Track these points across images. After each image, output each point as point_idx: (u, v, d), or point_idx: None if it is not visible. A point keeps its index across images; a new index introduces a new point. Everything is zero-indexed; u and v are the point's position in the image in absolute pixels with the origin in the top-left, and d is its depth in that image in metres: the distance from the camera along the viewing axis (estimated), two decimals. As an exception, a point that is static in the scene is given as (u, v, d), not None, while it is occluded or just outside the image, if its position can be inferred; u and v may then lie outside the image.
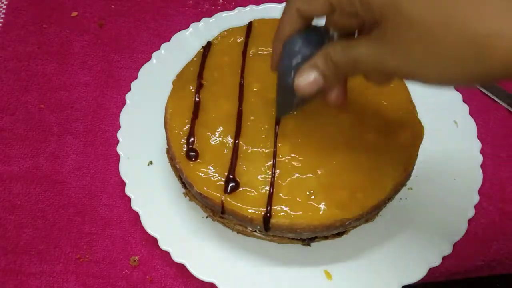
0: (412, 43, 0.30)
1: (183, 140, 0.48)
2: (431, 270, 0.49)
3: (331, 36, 0.37)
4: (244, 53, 0.53)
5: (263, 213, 0.44)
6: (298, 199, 0.45)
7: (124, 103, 0.59)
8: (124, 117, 0.58)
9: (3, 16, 0.68)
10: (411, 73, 0.31)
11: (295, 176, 0.46)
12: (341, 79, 0.37)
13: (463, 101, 0.58)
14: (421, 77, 0.31)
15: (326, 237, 0.51)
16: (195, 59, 0.54)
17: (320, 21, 0.38)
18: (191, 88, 0.51)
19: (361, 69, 0.34)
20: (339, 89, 0.38)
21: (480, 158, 0.55)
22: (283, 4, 0.64)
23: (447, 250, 0.50)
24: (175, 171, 0.53)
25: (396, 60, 0.31)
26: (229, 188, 0.45)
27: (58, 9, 0.69)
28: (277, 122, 0.48)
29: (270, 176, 0.46)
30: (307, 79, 0.36)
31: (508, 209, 0.56)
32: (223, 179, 0.46)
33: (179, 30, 0.63)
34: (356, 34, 0.37)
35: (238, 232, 0.52)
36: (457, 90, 0.59)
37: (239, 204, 0.45)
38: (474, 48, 0.27)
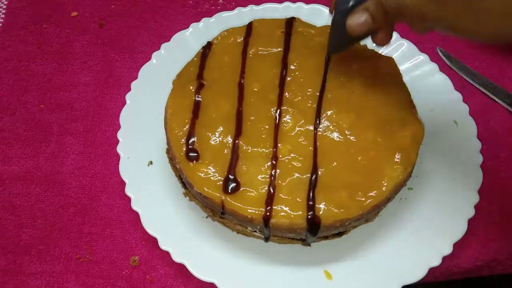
0: None
1: (183, 140, 0.48)
2: (431, 270, 0.49)
3: None
4: (244, 53, 0.53)
5: (263, 213, 0.44)
6: (298, 199, 0.45)
7: (124, 103, 0.59)
8: (124, 117, 0.58)
9: (3, 16, 0.68)
10: (449, 23, 0.36)
11: (295, 176, 0.46)
12: (388, 23, 0.41)
13: (463, 101, 0.58)
14: (456, 28, 0.36)
15: (326, 237, 0.51)
16: (195, 59, 0.54)
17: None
18: (191, 88, 0.51)
19: (406, 15, 0.38)
20: (386, 31, 0.43)
21: (480, 158, 0.55)
22: (284, 4, 0.65)
23: (447, 250, 0.50)
24: (175, 171, 0.53)
25: (438, 10, 0.36)
26: (230, 189, 0.45)
27: (58, 9, 0.69)
28: (328, 58, 0.52)
29: (270, 176, 0.46)
30: (358, 19, 0.41)
31: (508, 209, 0.56)
32: (223, 179, 0.46)
33: (179, 30, 0.63)
34: None
35: (238, 232, 0.52)
36: (457, 90, 0.59)
37: (239, 204, 0.45)
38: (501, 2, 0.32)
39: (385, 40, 0.43)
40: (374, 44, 0.44)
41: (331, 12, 0.45)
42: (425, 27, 0.40)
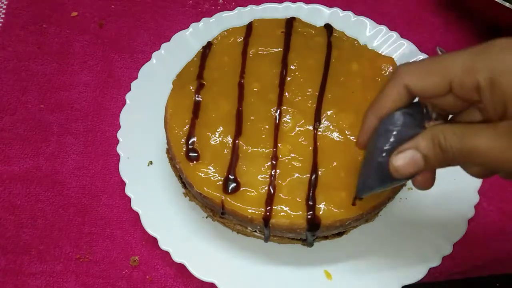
0: None
1: (183, 140, 0.48)
2: (431, 270, 0.49)
3: (430, 115, 0.35)
4: (244, 53, 0.53)
5: (263, 213, 0.44)
6: (298, 199, 0.45)
7: (124, 103, 0.59)
8: (124, 117, 0.58)
9: (3, 16, 0.68)
10: None
11: (295, 176, 0.46)
12: (443, 166, 0.33)
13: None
14: None
15: (326, 237, 0.51)
16: (195, 59, 0.54)
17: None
18: (191, 88, 0.51)
19: (474, 160, 0.31)
20: (430, 173, 0.35)
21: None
22: (284, 4, 0.65)
23: (447, 250, 0.50)
24: (175, 171, 0.53)
25: None
26: (230, 189, 0.45)
27: (58, 9, 0.69)
28: (355, 199, 0.43)
29: (270, 176, 0.46)
30: (406, 159, 0.33)
31: (508, 209, 0.56)
32: (223, 179, 0.46)
33: (179, 30, 0.63)
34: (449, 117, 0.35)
35: (238, 232, 0.52)
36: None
37: (239, 204, 0.45)
38: None
39: (428, 184, 0.36)
40: (414, 187, 0.37)
41: (361, 147, 0.38)
42: (491, 172, 0.34)
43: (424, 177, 0.35)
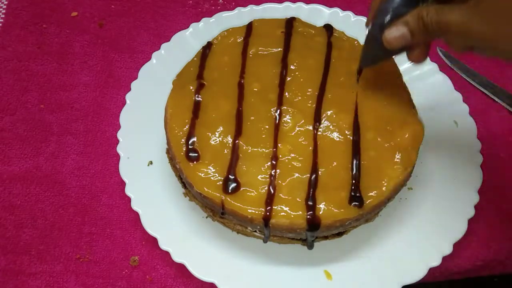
0: (505, 13, 0.33)
1: (183, 140, 0.48)
2: (431, 270, 0.49)
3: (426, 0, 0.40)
4: (244, 53, 0.53)
5: (263, 213, 0.44)
6: (298, 199, 0.45)
7: (124, 103, 0.59)
8: (124, 117, 0.58)
9: (3, 16, 0.68)
10: (498, 42, 0.35)
11: (295, 176, 0.46)
12: (426, 39, 0.40)
13: (463, 101, 0.59)
14: (507, 50, 0.35)
15: (326, 237, 0.51)
16: (195, 59, 0.54)
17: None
18: (191, 88, 0.51)
19: (448, 32, 0.37)
20: (422, 48, 0.41)
21: (480, 158, 0.55)
22: (284, 4, 0.65)
23: (447, 250, 0.50)
24: (175, 171, 0.53)
25: (487, 26, 0.34)
26: (230, 189, 0.45)
27: (58, 9, 0.69)
28: (359, 72, 0.51)
29: (270, 176, 0.46)
30: (396, 33, 0.40)
31: (508, 209, 0.56)
32: (223, 179, 0.46)
33: (179, 30, 0.63)
34: None
35: (238, 232, 0.52)
36: (457, 90, 0.59)
37: (239, 204, 0.45)
38: None
39: (421, 58, 0.42)
40: (409, 61, 0.43)
41: (367, 25, 0.44)
42: (465, 46, 0.38)
43: (419, 50, 0.41)
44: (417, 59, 0.42)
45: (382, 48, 0.42)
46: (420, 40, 0.40)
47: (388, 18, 0.40)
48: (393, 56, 0.45)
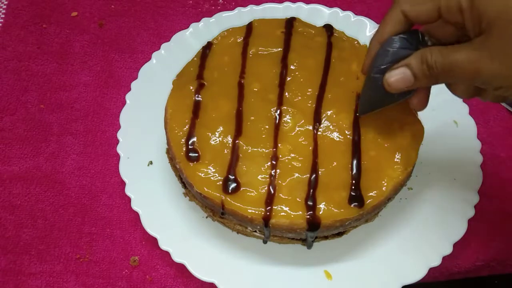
0: None
1: (183, 140, 0.48)
2: (431, 270, 0.49)
3: (426, 42, 0.39)
4: (244, 53, 0.53)
5: (263, 213, 0.44)
6: (298, 199, 0.45)
7: (124, 103, 0.59)
8: (124, 117, 0.58)
9: (3, 16, 0.68)
10: (508, 79, 0.33)
11: (295, 176, 0.46)
12: (431, 83, 0.38)
13: (463, 101, 0.59)
14: None
15: (326, 237, 0.51)
16: (195, 59, 0.54)
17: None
18: (191, 88, 0.51)
19: (456, 74, 0.35)
20: (422, 95, 0.41)
21: (480, 158, 0.55)
22: (284, 4, 0.65)
23: (447, 250, 0.50)
24: (175, 171, 0.53)
25: (497, 63, 0.32)
26: (230, 189, 0.45)
27: (58, 9, 0.69)
28: (359, 116, 0.48)
29: (270, 176, 0.46)
30: (398, 75, 0.38)
31: (508, 209, 0.56)
32: (223, 179, 0.46)
33: (179, 30, 0.63)
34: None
35: (238, 232, 0.52)
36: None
37: (239, 204, 0.45)
38: None
39: (421, 105, 0.41)
40: (412, 108, 0.43)
41: (364, 69, 0.43)
42: (471, 90, 0.38)
43: (418, 98, 0.41)
44: (417, 107, 0.42)
45: (382, 93, 0.40)
46: (423, 83, 0.38)
47: (388, 60, 0.39)
48: (392, 103, 0.43)
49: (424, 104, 0.41)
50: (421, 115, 0.51)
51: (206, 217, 0.53)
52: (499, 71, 0.33)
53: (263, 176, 0.46)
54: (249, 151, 0.47)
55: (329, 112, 0.49)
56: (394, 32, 0.39)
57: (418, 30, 0.39)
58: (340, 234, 0.51)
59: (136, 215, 0.53)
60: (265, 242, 0.51)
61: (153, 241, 0.51)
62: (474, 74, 0.34)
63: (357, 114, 0.48)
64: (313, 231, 0.45)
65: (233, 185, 0.46)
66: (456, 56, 0.34)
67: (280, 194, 0.45)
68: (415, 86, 0.38)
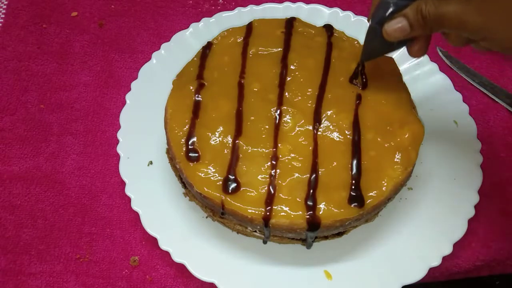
0: (497, 1, 0.34)
1: (183, 140, 0.48)
2: (431, 270, 0.49)
3: None
4: (244, 53, 0.53)
5: (263, 213, 0.44)
6: (298, 199, 0.45)
7: (124, 103, 0.59)
8: (124, 117, 0.58)
9: (3, 16, 0.68)
10: (490, 34, 0.36)
11: (295, 176, 0.46)
12: (425, 32, 0.40)
13: (463, 101, 0.58)
14: (498, 40, 0.36)
15: (326, 237, 0.51)
16: (195, 59, 0.54)
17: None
18: (191, 88, 0.51)
19: (445, 24, 0.38)
20: (422, 42, 0.42)
21: (480, 158, 0.55)
22: (284, 4, 0.65)
23: (447, 250, 0.50)
24: (175, 171, 0.53)
25: (481, 17, 0.35)
26: (230, 189, 0.45)
27: (58, 9, 0.69)
28: (360, 65, 0.51)
29: (270, 176, 0.46)
30: (395, 25, 0.41)
31: (508, 209, 0.56)
32: (223, 179, 0.46)
33: (179, 30, 0.63)
34: None
35: (238, 232, 0.52)
36: (457, 90, 0.59)
37: (239, 204, 0.45)
38: None
39: (420, 52, 0.43)
40: (411, 56, 0.44)
41: (369, 20, 0.45)
42: (463, 39, 0.40)
43: (419, 45, 0.42)
44: (416, 54, 0.43)
45: (382, 41, 0.43)
46: (419, 33, 0.41)
47: (388, 11, 0.41)
48: (393, 51, 0.46)
49: (423, 51, 0.43)
50: (421, 115, 0.51)
51: (206, 217, 0.53)
52: (482, 24, 0.36)
53: (263, 176, 0.46)
54: (249, 151, 0.47)
55: (329, 112, 0.49)
56: None
57: None
58: (340, 234, 0.51)
59: (136, 215, 0.53)
60: (265, 242, 0.51)
61: (153, 241, 0.51)
62: (460, 25, 0.37)
63: (359, 62, 0.51)
64: (313, 231, 0.45)
65: (233, 185, 0.46)
66: (447, 8, 0.37)
67: (280, 194, 0.45)
68: (411, 35, 0.41)
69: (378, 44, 0.45)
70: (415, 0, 0.40)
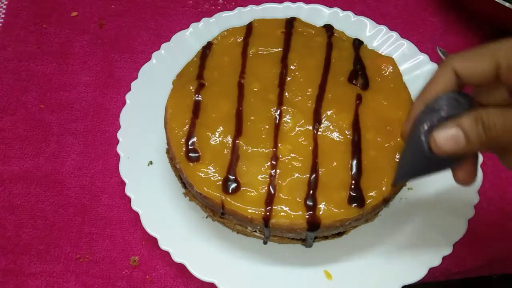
0: None
1: (183, 140, 0.48)
2: (431, 270, 0.49)
3: (475, 104, 0.34)
4: (244, 53, 0.53)
5: (263, 213, 0.44)
6: (298, 199, 0.45)
7: (124, 103, 0.59)
8: (124, 117, 0.58)
9: (3, 16, 0.68)
10: None
11: (295, 176, 0.46)
12: (482, 148, 0.33)
13: (463, 101, 0.58)
14: None
15: (326, 237, 0.51)
16: (195, 59, 0.54)
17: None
18: (191, 88, 0.51)
19: None
20: (471, 166, 0.35)
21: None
22: (284, 4, 0.65)
23: (447, 250, 0.50)
24: (175, 171, 0.53)
25: None
26: (230, 189, 0.45)
27: (58, 9, 0.69)
28: (394, 186, 0.44)
29: (270, 176, 0.46)
30: (448, 133, 0.32)
31: (508, 209, 0.56)
32: (223, 179, 0.46)
33: (179, 30, 0.63)
34: None
35: (238, 232, 0.52)
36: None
37: (239, 204, 0.45)
38: None
39: (470, 179, 0.35)
40: (458, 184, 0.37)
41: (403, 136, 0.37)
42: None
43: (465, 170, 0.35)
44: (464, 180, 0.36)
45: (426, 158, 0.35)
46: (475, 148, 0.33)
47: (435, 120, 0.34)
48: (433, 173, 0.37)
49: (472, 177, 0.35)
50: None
51: (206, 217, 0.53)
52: None
53: (263, 176, 0.46)
54: (249, 151, 0.47)
55: (329, 112, 0.49)
56: (443, 91, 0.34)
57: (467, 94, 0.35)
58: (340, 234, 0.51)
59: (136, 215, 0.53)
60: (265, 242, 0.51)
61: (153, 241, 0.51)
62: None
63: (392, 184, 0.42)
64: (313, 231, 0.45)
65: (233, 185, 0.46)
66: None
67: (280, 194, 0.45)
68: (465, 150, 0.33)
69: (418, 162, 0.36)
70: (465, 110, 0.33)
